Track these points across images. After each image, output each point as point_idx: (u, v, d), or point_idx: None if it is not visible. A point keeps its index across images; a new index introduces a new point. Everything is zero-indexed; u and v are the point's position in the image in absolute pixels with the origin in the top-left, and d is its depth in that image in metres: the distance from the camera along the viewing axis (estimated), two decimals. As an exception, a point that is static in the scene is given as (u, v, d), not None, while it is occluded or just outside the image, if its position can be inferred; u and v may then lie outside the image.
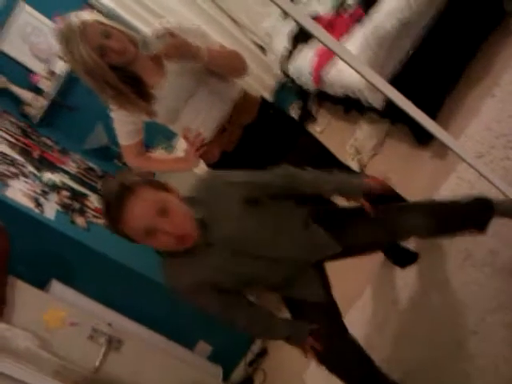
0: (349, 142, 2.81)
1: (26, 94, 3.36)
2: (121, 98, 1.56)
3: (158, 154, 3.30)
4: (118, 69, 1.53)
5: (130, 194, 1.09)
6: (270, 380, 2.81)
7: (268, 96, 3.62)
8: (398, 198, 1.73)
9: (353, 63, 0.92)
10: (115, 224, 1.11)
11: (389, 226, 1.44)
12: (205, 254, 1.23)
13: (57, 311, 2.33)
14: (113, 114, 1.66)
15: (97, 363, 2.29)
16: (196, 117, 1.65)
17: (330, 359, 1.38)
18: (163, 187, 1.18)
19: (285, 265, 1.33)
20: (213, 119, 1.66)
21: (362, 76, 0.96)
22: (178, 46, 1.44)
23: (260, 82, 3.62)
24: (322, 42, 0.88)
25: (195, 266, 1.25)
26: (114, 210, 1.09)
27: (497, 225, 1.54)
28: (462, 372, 1.56)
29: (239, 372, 2.95)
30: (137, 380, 2.42)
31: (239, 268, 1.27)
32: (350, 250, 1.43)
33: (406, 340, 1.88)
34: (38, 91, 3.38)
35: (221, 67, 1.60)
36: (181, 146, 3.28)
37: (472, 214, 1.50)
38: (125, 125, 1.66)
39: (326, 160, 1.75)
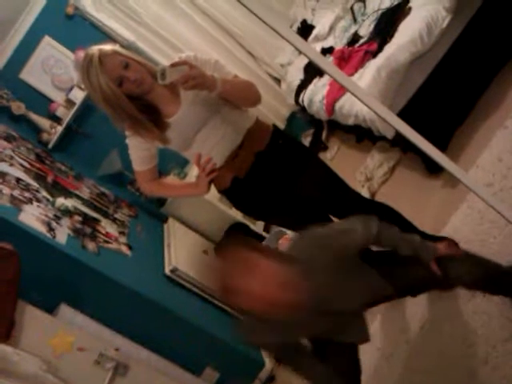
0: (359, 170, 2.82)
1: (43, 122, 3.44)
2: (137, 125, 1.60)
3: (170, 179, 3.34)
4: (135, 98, 1.57)
5: None
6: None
7: (281, 124, 3.68)
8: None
9: (363, 98, 0.94)
10: None
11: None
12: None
13: (65, 336, 2.32)
14: (128, 141, 1.70)
15: (102, 389, 2.26)
16: (208, 145, 1.67)
17: None
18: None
19: (346, 314, 1.34)
20: (225, 147, 1.68)
21: (373, 110, 0.98)
22: (194, 77, 1.47)
23: (274, 112, 3.69)
24: (333, 78, 0.90)
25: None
26: None
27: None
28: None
29: (247, 399, 2.88)
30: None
31: (319, 325, 1.29)
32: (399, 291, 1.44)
33: (416, 370, 1.84)
34: (55, 119, 3.47)
35: (235, 97, 1.64)
36: (193, 173, 3.32)
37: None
38: (139, 151, 1.70)
39: (336, 187, 1.76)
